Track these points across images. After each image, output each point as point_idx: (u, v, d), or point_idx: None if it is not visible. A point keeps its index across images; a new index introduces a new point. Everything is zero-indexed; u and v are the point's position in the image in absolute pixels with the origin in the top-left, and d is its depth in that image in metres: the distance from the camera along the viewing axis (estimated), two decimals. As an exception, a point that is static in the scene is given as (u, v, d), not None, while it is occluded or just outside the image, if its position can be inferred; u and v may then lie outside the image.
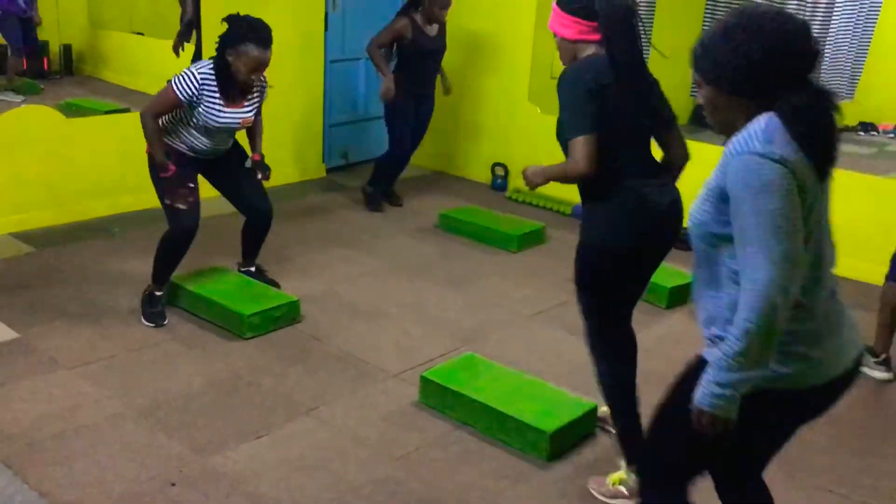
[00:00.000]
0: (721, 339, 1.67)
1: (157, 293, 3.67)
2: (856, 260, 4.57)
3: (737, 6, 1.83)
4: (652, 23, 6.03)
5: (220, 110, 3.47)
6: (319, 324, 3.76)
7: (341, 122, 6.18)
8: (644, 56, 2.47)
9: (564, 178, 2.53)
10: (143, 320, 3.63)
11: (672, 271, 4.23)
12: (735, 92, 1.66)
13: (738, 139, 1.61)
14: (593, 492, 2.69)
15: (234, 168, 3.78)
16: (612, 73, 2.40)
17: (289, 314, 3.71)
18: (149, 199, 3.78)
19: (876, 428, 3.26)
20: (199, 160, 3.64)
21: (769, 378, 1.65)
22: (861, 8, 6.80)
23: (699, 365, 1.76)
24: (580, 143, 2.39)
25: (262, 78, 3.60)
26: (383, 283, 4.29)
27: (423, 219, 5.26)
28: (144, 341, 3.49)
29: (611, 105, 2.41)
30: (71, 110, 4.86)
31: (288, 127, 5.67)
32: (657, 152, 2.59)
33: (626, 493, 2.62)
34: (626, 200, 2.47)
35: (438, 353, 3.55)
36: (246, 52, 3.38)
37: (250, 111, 3.62)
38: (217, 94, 3.45)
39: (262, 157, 3.83)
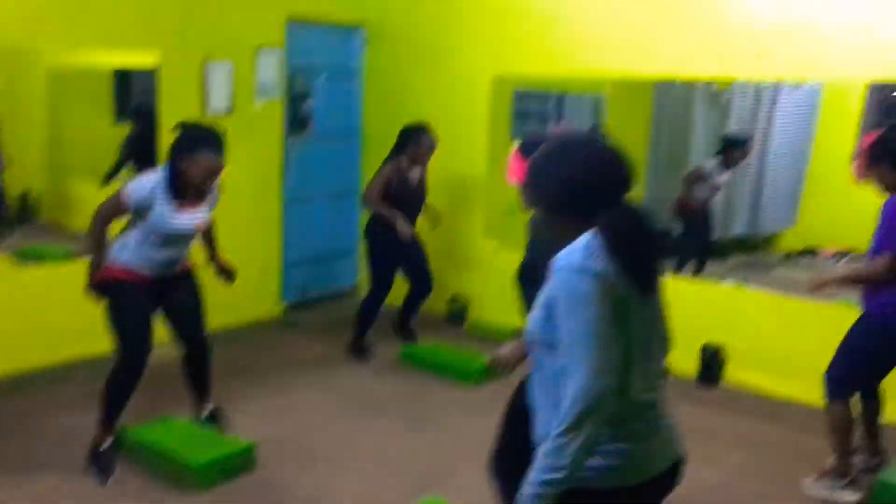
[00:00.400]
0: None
1: (105, 444, 3.54)
2: (803, 383, 4.62)
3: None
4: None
5: (173, 215, 3.48)
6: (276, 471, 3.64)
7: (300, 259, 6.22)
8: None
9: None
10: (91, 476, 3.48)
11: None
12: (558, 212, 1.83)
13: (562, 255, 1.75)
14: None
15: (180, 296, 3.74)
16: None
17: (244, 462, 3.60)
18: (105, 345, 3.70)
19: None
20: (152, 284, 3.60)
21: (582, 476, 1.73)
22: (796, 136, 7.17)
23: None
24: None
25: (215, 182, 3.64)
26: (343, 424, 4.21)
27: (383, 355, 5.23)
28: (91, 499, 3.34)
29: None
30: (26, 257, 4.83)
31: (244, 266, 5.65)
32: None
33: None
34: None
35: (400, 499, 3.45)
36: (199, 160, 3.43)
37: (205, 215, 3.64)
38: (170, 200, 3.46)
39: (223, 261, 3.88)
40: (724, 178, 6.63)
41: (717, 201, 6.82)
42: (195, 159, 3.43)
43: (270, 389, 4.60)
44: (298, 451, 3.87)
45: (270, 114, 5.73)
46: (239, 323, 5.62)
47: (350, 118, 6.47)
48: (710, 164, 6.61)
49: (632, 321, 1.74)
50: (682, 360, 4.99)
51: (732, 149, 6.60)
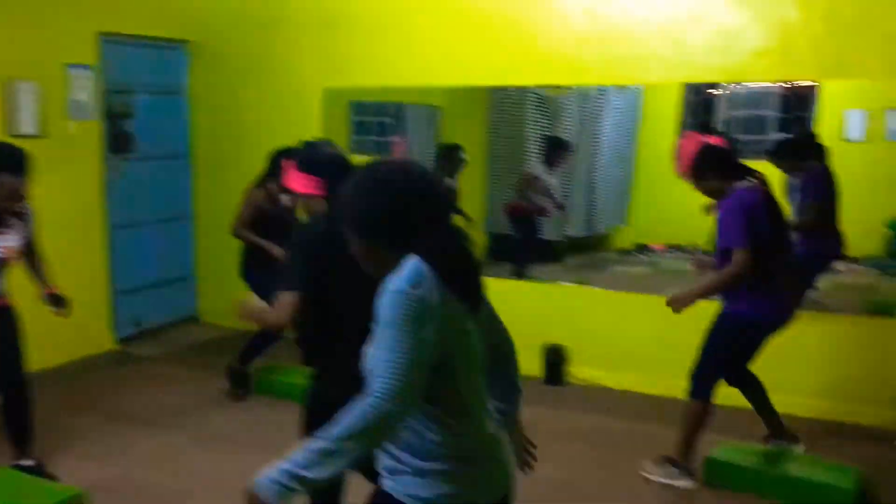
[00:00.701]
0: (398, 462, 1.74)
1: None
2: (642, 375, 4.84)
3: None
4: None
5: None
6: (110, 517, 3.39)
7: (132, 288, 5.87)
8: None
9: (264, 323, 2.62)
10: None
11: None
12: (375, 242, 1.77)
13: (391, 279, 1.70)
14: None
15: None
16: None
17: (73, 511, 3.32)
18: None
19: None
20: None
21: (432, 500, 1.71)
22: (623, 138, 7.52)
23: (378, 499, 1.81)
24: (285, 298, 2.48)
25: (22, 205, 3.38)
26: (187, 460, 3.97)
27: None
28: None
29: (334, 264, 2.43)
30: None
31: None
32: None
33: None
34: (335, 374, 2.45)
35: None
36: (0, 182, 3.20)
37: (10, 241, 3.38)
38: None
39: (54, 289, 3.60)
40: (553, 179, 6.85)
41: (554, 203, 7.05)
42: None
43: (104, 429, 4.28)
44: (137, 493, 3.61)
45: (87, 135, 5.37)
46: (69, 360, 5.23)
47: (177, 138, 6.19)
48: (539, 167, 6.81)
49: (464, 340, 1.73)
50: (527, 360, 5.08)
51: (555, 150, 6.83)
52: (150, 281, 6.05)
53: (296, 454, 1.62)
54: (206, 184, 6.18)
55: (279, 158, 4.77)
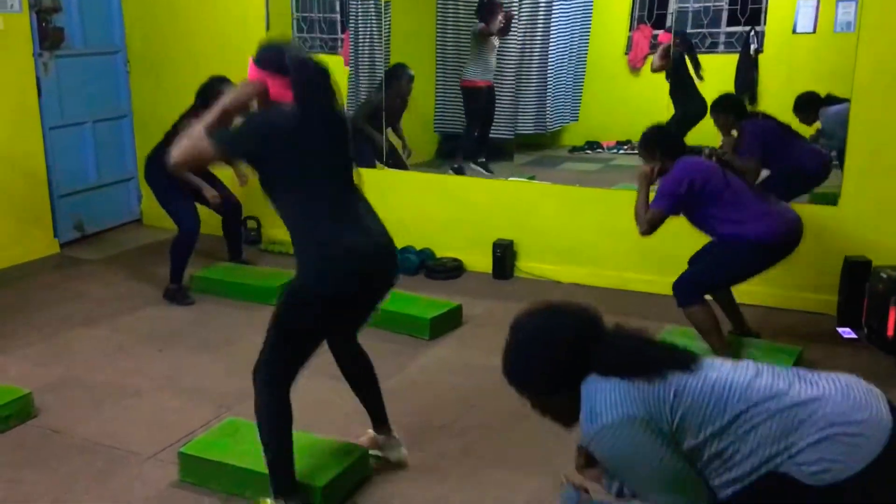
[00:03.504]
0: None
1: None
2: (590, 268, 4.90)
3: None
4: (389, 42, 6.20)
5: None
6: (58, 415, 3.37)
7: (72, 191, 5.71)
8: (340, 111, 2.60)
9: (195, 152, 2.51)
10: None
11: (430, 301, 4.27)
12: (554, 392, 1.78)
13: (586, 421, 1.70)
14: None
15: None
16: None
17: (21, 410, 3.30)
18: None
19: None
20: None
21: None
22: (572, 38, 7.40)
23: None
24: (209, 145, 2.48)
25: None
26: (131, 358, 3.96)
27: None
28: None
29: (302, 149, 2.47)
30: None
31: (5, 203, 5.14)
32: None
33: None
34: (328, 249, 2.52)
35: (199, 425, 3.30)
36: None
37: None
38: None
39: None
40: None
41: (506, 102, 6.95)
42: None
43: (49, 331, 4.23)
44: (83, 390, 3.60)
45: (15, 30, 5.10)
46: (10, 265, 5.12)
47: (111, 31, 5.91)
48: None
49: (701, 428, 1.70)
50: (478, 256, 5.12)
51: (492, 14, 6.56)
52: (91, 184, 5.88)
53: None
54: (144, 80, 5.95)
55: (214, 87, 4.33)
